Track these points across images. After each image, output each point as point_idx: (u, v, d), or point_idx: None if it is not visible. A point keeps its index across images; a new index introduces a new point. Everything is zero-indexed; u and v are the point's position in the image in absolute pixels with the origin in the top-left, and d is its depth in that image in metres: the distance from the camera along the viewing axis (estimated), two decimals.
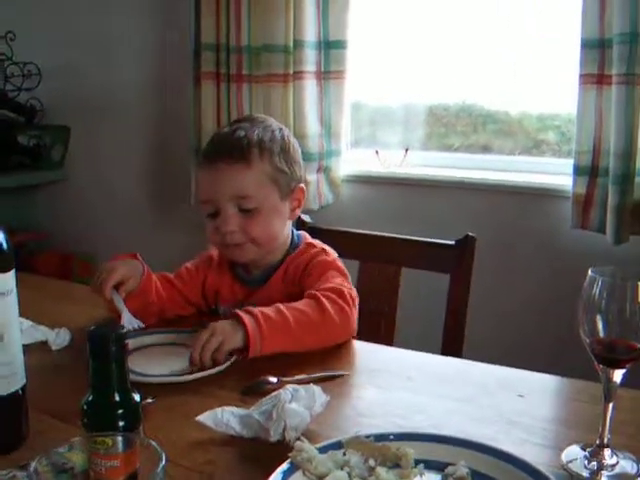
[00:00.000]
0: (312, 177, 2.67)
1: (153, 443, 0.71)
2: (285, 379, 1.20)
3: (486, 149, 2.89)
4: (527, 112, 2.83)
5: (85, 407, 0.82)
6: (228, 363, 1.27)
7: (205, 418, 1.01)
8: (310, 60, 2.65)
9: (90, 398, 0.82)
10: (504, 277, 2.55)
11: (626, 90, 2.12)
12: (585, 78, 2.23)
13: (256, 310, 1.33)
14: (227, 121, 2.70)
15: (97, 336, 0.80)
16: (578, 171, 2.31)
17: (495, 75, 2.75)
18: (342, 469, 0.88)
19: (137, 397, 0.84)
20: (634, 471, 0.93)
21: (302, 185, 1.57)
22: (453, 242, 1.80)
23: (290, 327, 1.33)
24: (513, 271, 2.56)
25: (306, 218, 1.93)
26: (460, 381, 1.26)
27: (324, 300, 1.38)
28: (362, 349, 1.43)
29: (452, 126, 2.95)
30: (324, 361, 1.32)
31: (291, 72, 2.64)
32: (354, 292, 1.47)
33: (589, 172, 2.29)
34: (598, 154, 2.27)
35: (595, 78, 2.22)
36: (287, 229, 1.58)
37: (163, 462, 0.67)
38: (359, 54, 2.76)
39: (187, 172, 2.87)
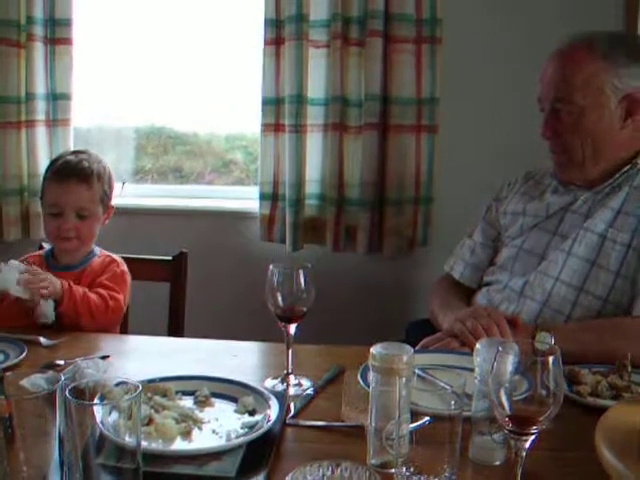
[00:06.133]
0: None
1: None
2: (69, 361, 1.62)
3: (177, 170, 3.11)
4: (215, 133, 3.11)
5: None
6: None
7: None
8: (40, 110, 2.93)
9: None
10: (212, 282, 2.97)
11: (295, 137, 2.76)
12: (265, 127, 2.81)
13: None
14: None
15: None
16: (263, 197, 2.89)
17: (183, 99, 2.98)
18: None
19: None
20: (309, 385, 1.53)
21: (112, 204, 2.18)
22: (170, 257, 2.29)
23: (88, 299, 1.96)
24: (219, 277, 3.01)
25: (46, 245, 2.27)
26: (188, 354, 1.77)
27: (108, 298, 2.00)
28: (115, 338, 1.95)
29: (143, 148, 3.13)
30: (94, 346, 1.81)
31: (23, 120, 2.90)
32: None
33: (271, 197, 2.88)
34: (277, 184, 2.86)
35: (273, 127, 2.81)
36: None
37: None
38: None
39: None
